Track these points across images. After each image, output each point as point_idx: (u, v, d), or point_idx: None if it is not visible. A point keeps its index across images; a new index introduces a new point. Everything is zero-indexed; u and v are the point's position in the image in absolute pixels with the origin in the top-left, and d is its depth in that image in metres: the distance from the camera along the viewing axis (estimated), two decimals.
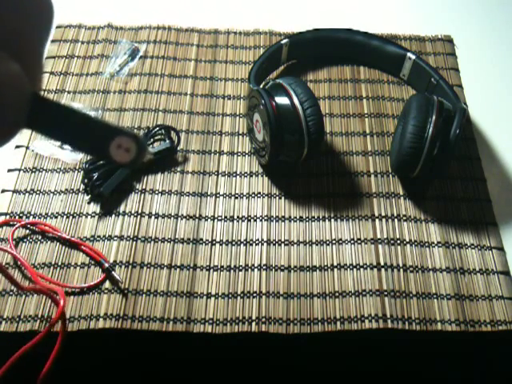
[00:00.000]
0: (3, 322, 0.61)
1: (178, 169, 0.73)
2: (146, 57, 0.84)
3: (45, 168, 0.72)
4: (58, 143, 0.73)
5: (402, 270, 0.66)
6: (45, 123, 0.37)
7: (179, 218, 0.69)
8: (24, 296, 0.62)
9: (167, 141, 0.73)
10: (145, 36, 0.86)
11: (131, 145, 0.37)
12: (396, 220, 0.69)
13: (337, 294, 0.64)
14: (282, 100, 0.67)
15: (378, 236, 0.68)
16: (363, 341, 0.62)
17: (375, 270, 0.66)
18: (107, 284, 0.63)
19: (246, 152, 0.75)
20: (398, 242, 0.68)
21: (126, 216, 0.69)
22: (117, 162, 0.38)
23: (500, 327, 0.62)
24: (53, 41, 0.85)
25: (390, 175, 0.73)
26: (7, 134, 0.34)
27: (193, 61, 0.84)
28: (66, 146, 0.72)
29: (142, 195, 0.70)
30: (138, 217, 0.69)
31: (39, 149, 0.73)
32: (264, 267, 0.66)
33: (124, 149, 0.37)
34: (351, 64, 0.84)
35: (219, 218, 0.69)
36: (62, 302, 0.59)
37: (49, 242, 0.66)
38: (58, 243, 0.66)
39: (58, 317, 0.58)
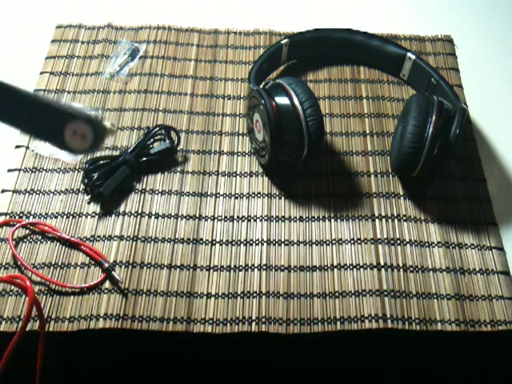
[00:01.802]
0: (3, 322, 0.61)
1: (178, 169, 0.73)
2: (146, 57, 0.84)
3: (45, 168, 0.72)
4: None
5: (402, 269, 0.66)
6: None
7: (179, 218, 0.69)
8: (24, 296, 0.62)
9: (167, 141, 0.73)
10: (145, 36, 0.86)
11: (86, 130, 0.34)
12: (396, 220, 0.69)
13: (337, 294, 0.64)
14: (281, 100, 0.67)
15: (378, 236, 0.68)
16: (363, 341, 0.62)
17: (375, 269, 0.66)
18: (107, 284, 0.63)
19: (246, 152, 0.75)
20: (398, 241, 0.68)
21: (126, 216, 0.69)
22: (74, 150, 0.35)
23: (500, 327, 0.62)
24: (53, 41, 0.85)
25: (390, 175, 0.73)
26: None
27: (193, 61, 0.84)
28: None
29: (142, 195, 0.70)
30: (138, 217, 0.69)
31: (39, 149, 0.73)
32: (264, 267, 0.66)
33: (80, 135, 0.34)
34: (351, 64, 0.84)
35: (219, 218, 0.69)
36: (28, 283, 0.54)
37: (49, 242, 0.66)
38: (58, 243, 0.66)
39: (32, 300, 0.54)
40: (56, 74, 0.81)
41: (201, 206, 0.70)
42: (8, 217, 0.68)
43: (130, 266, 0.65)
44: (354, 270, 0.66)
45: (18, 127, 0.37)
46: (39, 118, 0.35)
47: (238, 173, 0.73)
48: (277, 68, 0.82)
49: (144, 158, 0.72)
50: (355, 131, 0.77)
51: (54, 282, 0.63)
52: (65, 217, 0.68)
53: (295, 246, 0.67)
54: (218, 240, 0.67)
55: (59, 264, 0.65)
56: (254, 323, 0.62)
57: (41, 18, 0.88)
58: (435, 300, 0.64)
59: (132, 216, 0.69)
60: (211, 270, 0.65)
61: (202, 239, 0.67)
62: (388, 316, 0.62)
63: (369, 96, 0.81)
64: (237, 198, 0.71)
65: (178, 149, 0.74)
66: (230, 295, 0.63)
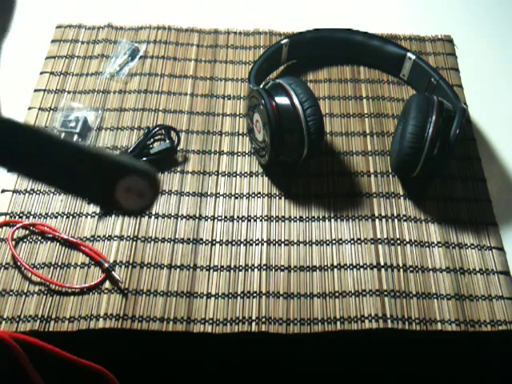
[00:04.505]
0: (3, 322, 0.61)
1: (178, 169, 0.73)
2: (146, 57, 0.84)
3: None
4: None
5: (402, 270, 0.66)
6: (17, 159, 0.27)
7: (179, 218, 0.69)
8: (24, 296, 0.62)
9: (167, 141, 0.73)
10: (145, 36, 0.86)
11: (145, 187, 0.27)
12: (396, 220, 0.69)
13: (337, 294, 0.64)
14: (281, 100, 0.67)
15: (378, 236, 0.68)
16: (363, 341, 0.62)
17: (375, 269, 0.66)
18: (107, 284, 0.64)
19: (246, 152, 0.75)
20: (398, 241, 0.68)
21: (126, 216, 0.68)
22: (125, 210, 0.28)
23: (500, 327, 0.62)
24: (53, 41, 0.85)
25: (390, 175, 0.73)
26: None
27: (193, 61, 0.84)
28: None
29: None
30: (138, 217, 0.69)
31: None
32: (264, 267, 0.66)
33: (136, 192, 0.27)
34: (351, 64, 0.84)
35: (219, 218, 0.69)
36: None
37: (49, 243, 0.66)
38: (57, 243, 0.66)
39: None
40: (56, 73, 0.81)
41: (201, 206, 0.70)
42: (8, 217, 0.68)
43: (130, 266, 0.65)
44: (354, 269, 0.66)
45: (55, 186, 0.30)
46: (82, 174, 0.27)
47: (238, 173, 0.73)
48: (277, 68, 0.82)
49: (144, 158, 0.72)
50: (355, 131, 0.77)
51: (54, 283, 0.63)
52: (65, 217, 0.68)
53: (295, 246, 0.67)
54: (218, 240, 0.67)
55: (59, 264, 0.65)
56: (254, 323, 0.62)
57: (41, 18, 0.88)
58: (435, 300, 0.64)
59: (132, 216, 0.69)
60: (211, 270, 0.65)
61: (201, 239, 0.67)
62: (388, 316, 0.62)
63: (369, 96, 0.81)
64: (237, 198, 0.71)
65: (178, 149, 0.74)
66: (230, 295, 0.63)
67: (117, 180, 0.26)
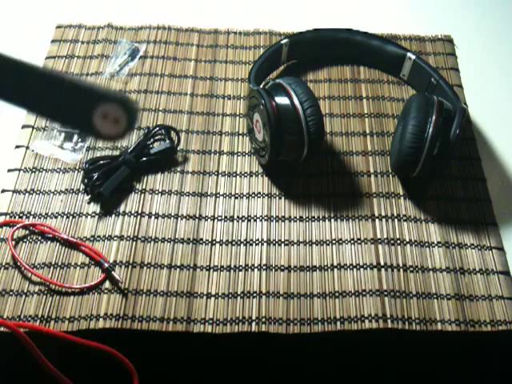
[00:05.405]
0: None
1: (178, 169, 0.73)
2: (146, 57, 0.84)
3: (45, 168, 0.72)
4: (59, 143, 0.73)
5: (402, 269, 0.66)
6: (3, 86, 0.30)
7: (179, 218, 0.69)
8: (24, 296, 0.62)
9: (167, 141, 0.73)
10: (145, 36, 0.86)
11: (120, 113, 0.30)
12: (396, 220, 0.69)
13: (337, 294, 0.64)
14: (282, 100, 0.67)
15: (378, 236, 0.68)
16: (363, 341, 0.62)
17: (375, 269, 0.66)
18: (107, 284, 0.64)
19: (246, 152, 0.75)
20: (398, 241, 0.68)
21: (126, 216, 0.69)
22: (102, 136, 0.30)
23: (500, 327, 0.62)
24: (53, 41, 0.85)
25: (390, 175, 0.73)
26: None
27: (193, 61, 0.84)
28: (67, 146, 0.72)
29: (142, 195, 0.70)
30: (138, 217, 0.69)
31: (39, 149, 0.73)
32: (264, 267, 0.66)
33: (111, 119, 0.30)
34: (351, 64, 0.84)
35: (219, 218, 0.69)
36: None
37: (49, 243, 0.66)
38: (57, 243, 0.66)
39: None
40: None
41: (201, 206, 0.70)
42: (8, 217, 0.68)
43: (130, 266, 0.65)
44: (354, 269, 0.66)
45: (36, 111, 0.33)
46: (64, 99, 0.30)
47: (238, 173, 0.73)
48: (277, 68, 0.82)
49: (144, 158, 0.72)
50: (355, 131, 0.77)
51: (54, 283, 0.63)
52: (65, 217, 0.68)
53: (295, 246, 0.67)
54: (218, 240, 0.67)
55: (59, 264, 0.65)
56: (254, 323, 0.62)
57: (41, 18, 0.88)
58: (435, 300, 0.64)
59: (132, 216, 0.69)
60: (211, 270, 0.65)
61: (201, 239, 0.67)
62: (388, 316, 0.62)
63: (369, 96, 0.81)
64: (237, 198, 0.71)
65: (178, 149, 0.74)
66: (230, 295, 0.63)
67: (94, 106, 0.28)
